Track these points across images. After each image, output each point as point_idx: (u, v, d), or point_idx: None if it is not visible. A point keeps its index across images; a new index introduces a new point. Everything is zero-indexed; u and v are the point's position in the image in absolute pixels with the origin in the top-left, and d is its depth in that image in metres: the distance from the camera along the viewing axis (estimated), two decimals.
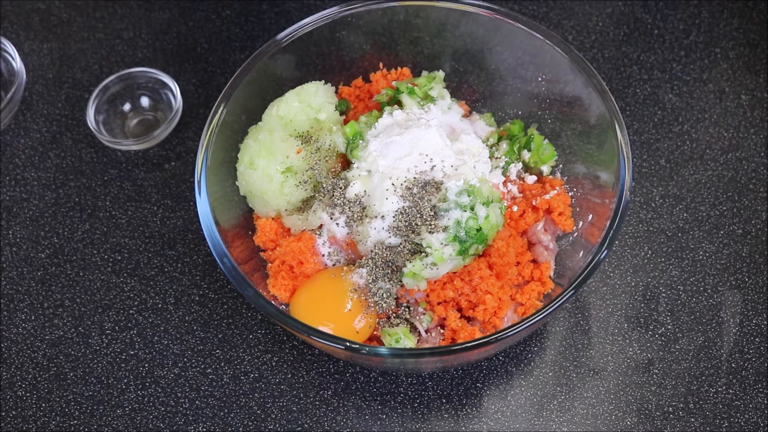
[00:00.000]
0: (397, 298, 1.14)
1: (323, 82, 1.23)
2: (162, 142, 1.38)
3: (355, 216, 1.13)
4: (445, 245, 1.09)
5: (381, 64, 1.31)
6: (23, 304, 1.27)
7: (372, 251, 1.12)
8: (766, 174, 1.32)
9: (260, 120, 1.21)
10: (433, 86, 1.22)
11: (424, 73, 1.26)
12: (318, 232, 1.17)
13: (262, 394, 1.21)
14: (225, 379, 1.22)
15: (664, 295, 1.25)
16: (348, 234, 1.15)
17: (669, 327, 1.22)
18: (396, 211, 1.11)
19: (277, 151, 1.16)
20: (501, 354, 1.22)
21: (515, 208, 1.18)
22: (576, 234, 1.18)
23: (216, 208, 1.14)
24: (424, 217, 1.10)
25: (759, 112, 1.37)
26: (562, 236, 1.20)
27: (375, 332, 1.14)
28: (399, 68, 1.30)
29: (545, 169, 1.23)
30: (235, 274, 1.09)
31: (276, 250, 1.18)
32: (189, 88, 1.43)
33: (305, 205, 1.19)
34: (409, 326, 1.14)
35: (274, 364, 1.23)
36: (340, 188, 1.15)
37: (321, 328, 1.08)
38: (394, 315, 1.14)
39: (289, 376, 1.22)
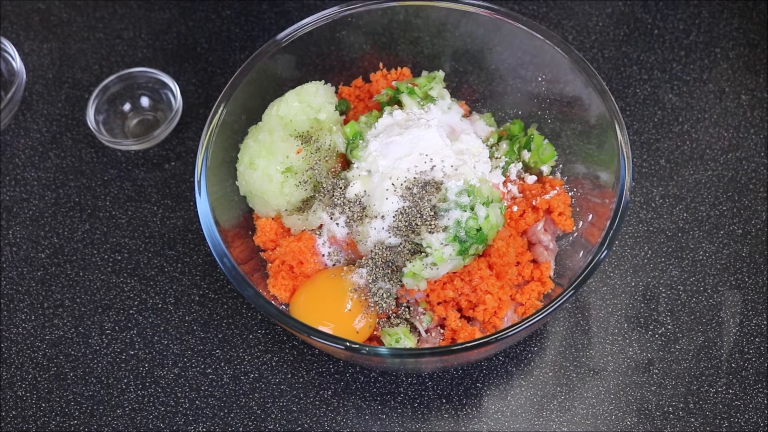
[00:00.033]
0: (397, 298, 1.14)
1: (323, 82, 1.23)
2: (162, 142, 1.38)
3: (355, 216, 1.13)
4: (445, 245, 1.09)
5: (381, 64, 1.31)
6: (23, 304, 1.27)
7: (372, 251, 1.12)
8: (766, 174, 1.32)
9: (260, 120, 1.21)
10: (433, 86, 1.22)
11: (424, 73, 1.26)
12: (318, 232, 1.17)
13: (262, 394, 1.21)
14: (225, 379, 1.22)
15: (664, 295, 1.25)
16: (348, 234, 1.15)
17: (669, 327, 1.22)
18: (396, 211, 1.11)
19: (277, 151, 1.16)
20: (501, 354, 1.22)
21: (515, 208, 1.18)
22: (576, 234, 1.18)
23: (216, 208, 1.14)
24: (424, 217, 1.10)
25: (759, 112, 1.37)
26: (562, 236, 1.20)
27: (375, 332, 1.14)
28: (399, 68, 1.30)
29: (545, 169, 1.23)
30: (235, 274, 1.09)
31: (276, 250, 1.18)
32: (189, 88, 1.43)
33: (305, 205, 1.19)
34: (409, 326, 1.14)
35: (274, 364, 1.23)
36: (340, 188, 1.15)
37: (321, 328, 1.08)
38: (394, 315, 1.14)
39: (289, 376, 1.22)
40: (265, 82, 1.23)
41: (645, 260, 1.27)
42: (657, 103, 1.39)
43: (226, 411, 1.20)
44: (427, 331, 1.14)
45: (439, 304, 1.13)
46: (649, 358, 1.21)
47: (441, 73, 1.25)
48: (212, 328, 1.25)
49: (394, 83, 1.24)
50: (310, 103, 1.20)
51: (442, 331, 1.14)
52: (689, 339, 1.21)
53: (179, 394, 1.21)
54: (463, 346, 1.02)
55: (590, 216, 1.17)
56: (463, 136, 1.17)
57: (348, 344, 1.03)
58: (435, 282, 1.12)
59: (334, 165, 1.19)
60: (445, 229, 1.09)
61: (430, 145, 1.13)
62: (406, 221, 1.10)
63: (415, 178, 1.12)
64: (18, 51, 1.40)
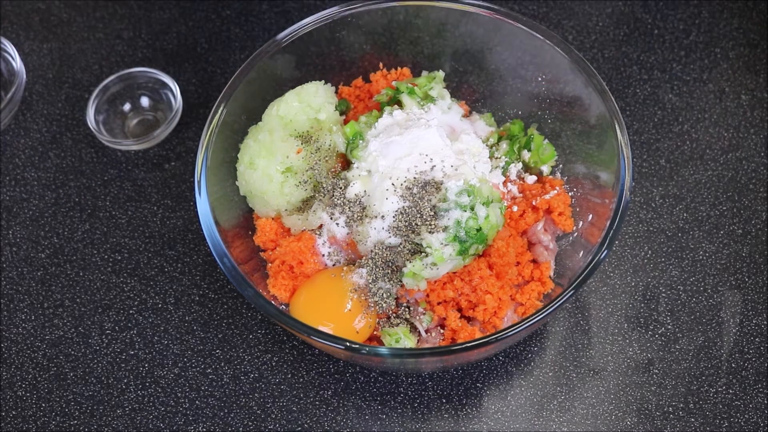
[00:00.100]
0: (397, 298, 1.14)
1: (323, 82, 1.23)
2: (162, 142, 1.38)
3: (355, 216, 1.13)
4: (445, 245, 1.09)
5: (381, 64, 1.31)
6: (23, 304, 1.27)
7: (372, 251, 1.12)
8: (766, 174, 1.32)
9: (260, 120, 1.21)
10: (433, 86, 1.22)
11: (424, 73, 1.26)
12: (318, 232, 1.17)
13: (262, 394, 1.21)
14: (225, 379, 1.22)
15: (664, 295, 1.25)
16: (348, 234, 1.15)
17: (669, 327, 1.22)
18: (396, 211, 1.11)
19: (277, 151, 1.16)
20: (501, 354, 1.22)
21: (515, 208, 1.18)
22: (576, 234, 1.18)
23: (216, 208, 1.14)
24: (424, 217, 1.10)
25: (759, 112, 1.37)
26: (562, 236, 1.20)
27: (375, 332, 1.14)
28: (399, 68, 1.30)
29: (545, 169, 1.23)
30: (235, 274, 1.09)
31: (276, 250, 1.18)
32: (189, 88, 1.43)
33: (305, 205, 1.19)
34: (409, 326, 1.14)
35: (274, 364, 1.23)
36: (340, 188, 1.15)
37: (321, 328, 1.08)
38: (394, 315, 1.14)
39: (289, 376, 1.22)
40: (265, 82, 1.23)
41: (645, 260, 1.27)
42: (657, 103, 1.39)
43: (226, 411, 1.20)
44: (427, 331, 1.14)
45: (439, 304, 1.13)
46: (649, 358, 1.21)
47: (441, 73, 1.25)
48: (212, 328, 1.25)
49: (394, 83, 1.24)
50: (310, 103, 1.20)
51: (442, 331, 1.14)
52: (689, 339, 1.21)
53: (179, 394, 1.21)
54: (463, 346, 1.02)
55: (590, 216, 1.17)
56: (463, 136, 1.17)
57: (348, 344, 1.03)
58: (435, 282, 1.12)
59: (334, 165, 1.19)
60: (445, 229, 1.09)
61: (430, 145, 1.13)
62: (406, 221, 1.10)
63: (415, 178, 1.12)
64: (18, 51, 1.40)
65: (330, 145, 1.18)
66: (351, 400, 1.20)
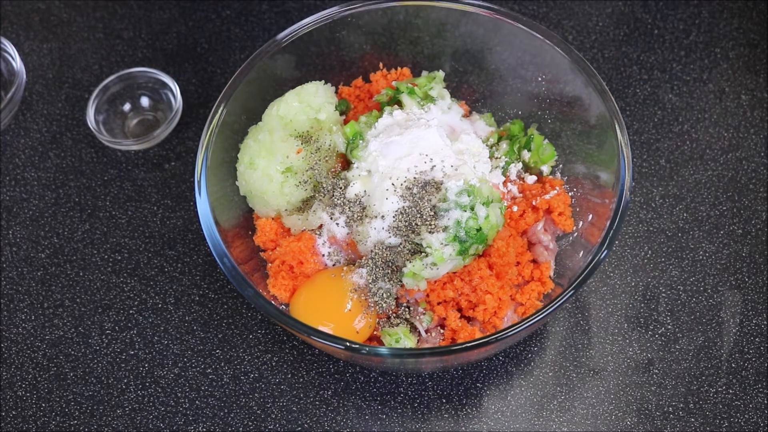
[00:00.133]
0: (397, 298, 1.14)
1: (323, 82, 1.23)
2: (162, 142, 1.38)
3: (355, 216, 1.13)
4: (445, 245, 1.09)
5: (381, 64, 1.31)
6: (23, 304, 1.27)
7: (372, 251, 1.12)
8: (766, 174, 1.32)
9: (260, 120, 1.21)
10: (433, 86, 1.22)
11: (424, 73, 1.26)
12: (318, 232, 1.17)
13: (262, 394, 1.21)
14: (225, 379, 1.22)
15: (664, 295, 1.25)
16: (348, 234, 1.15)
17: (669, 327, 1.22)
18: (396, 211, 1.11)
19: (277, 151, 1.16)
20: (501, 354, 1.22)
21: (515, 208, 1.18)
22: (576, 234, 1.18)
23: (216, 208, 1.14)
24: (424, 217, 1.10)
25: (759, 112, 1.37)
26: (562, 236, 1.20)
27: (375, 332, 1.14)
28: (399, 68, 1.30)
29: (545, 169, 1.23)
30: (235, 274, 1.09)
31: (276, 250, 1.18)
32: (189, 88, 1.43)
33: (305, 205, 1.19)
34: (409, 326, 1.14)
35: (274, 364, 1.23)
36: (340, 188, 1.15)
37: (321, 328, 1.08)
38: (394, 315, 1.14)
39: (289, 376, 1.22)
40: (265, 82, 1.23)
41: (645, 260, 1.27)
42: (657, 103, 1.39)
43: (226, 411, 1.20)
44: (427, 331, 1.14)
45: (439, 304, 1.13)
46: (649, 358, 1.21)
47: (441, 73, 1.25)
48: (212, 328, 1.25)
49: (394, 83, 1.24)
50: (310, 103, 1.20)
51: (442, 331, 1.14)
52: (689, 339, 1.21)
53: (179, 394, 1.21)
54: (463, 346, 1.02)
55: (590, 216, 1.17)
56: (463, 136, 1.17)
57: (348, 344, 1.03)
58: (435, 282, 1.12)
59: (334, 165, 1.19)
60: (445, 229, 1.09)
61: (430, 145, 1.13)
62: (406, 221, 1.10)
63: (415, 178, 1.12)
64: (18, 51, 1.40)
65: (330, 145, 1.18)
66: (351, 400, 1.20)
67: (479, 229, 1.09)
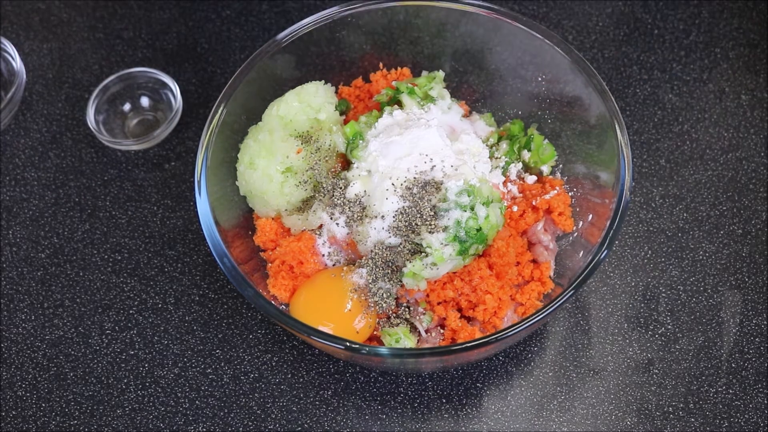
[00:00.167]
0: (397, 298, 1.14)
1: (323, 82, 1.23)
2: (162, 142, 1.38)
3: (355, 216, 1.13)
4: (445, 245, 1.09)
5: (381, 64, 1.31)
6: (23, 304, 1.27)
7: (372, 251, 1.12)
8: (766, 174, 1.32)
9: (260, 120, 1.21)
10: (433, 86, 1.22)
11: (424, 73, 1.26)
12: (318, 232, 1.17)
13: (262, 394, 1.21)
14: (225, 379, 1.22)
15: (664, 295, 1.25)
16: (348, 234, 1.15)
17: (669, 327, 1.22)
18: (396, 211, 1.11)
19: (277, 151, 1.16)
20: (501, 354, 1.22)
21: (515, 208, 1.18)
22: (576, 234, 1.18)
23: (216, 208, 1.14)
24: (424, 217, 1.10)
25: (759, 112, 1.37)
26: (562, 236, 1.20)
27: (375, 332, 1.14)
28: (399, 68, 1.30)
29: (545, 169, 1.23)
30: (235, 274, 1.09)
31: (276, 250, 1.18)
32: (189, 88, 1.43)
33: (305, 205, 1.19)
34: (409, 326, 1.14)
35: (274, 364, 1.23)
36: (340, 188, 1.15)
37: (321, 328, 1.08)
38: (394, 315, 1.14)
39: (289, 376, 1.22)
40: (265, 82, 1.23)
41: (645, 260, 1.27)
42: (657, 103, 1.39)
43: (226, 411, 1.20)
44: (427, 331, 1.14)
45: (439, 304, 1.13)
46: (649, 358, 1.21)
47: (441, 73, 1.25)
48: (212, 328, 1.25)
49: (394, 83, 1.24)
50: (310, 103, 1.20)
51: (442, 331, 1.14)
52: (689, 339, 1.21)
53: (179, 394, 1.21)
54: (463, 346, 1.02)
55: (590, 216, 1.17)
56: (463, 136, 1.17)
57: (348, 344, 1.03)
58: (435, 282, 1.12)
59: (334, 165, 1.19)
60: (445, 229, 1.09)
61: (430, 145, 1.13)
62: (406, 221, 1.10)
63: (415, 178, 1.12)
64: (18, 51, 1.40)
65: (330, 145, 1.18)
66: (351, 400, 1.20)
67: (479, 229, 1.09)
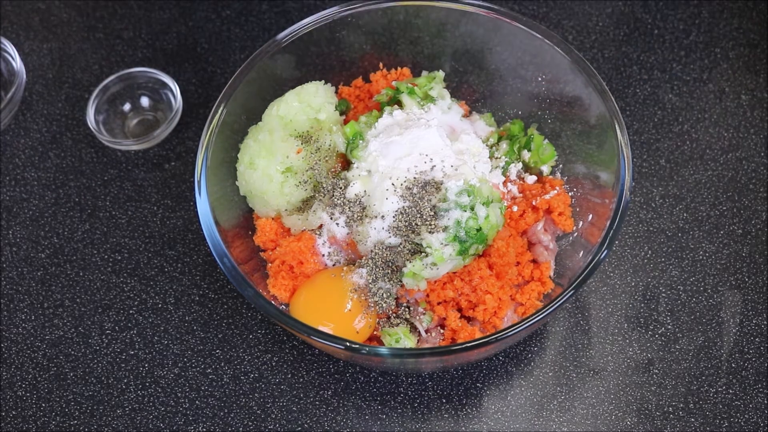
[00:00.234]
0: (397, 298, 1.14)
1: (323, 82, 1.23)
2: (162, 142, 1.38)
3: (355, 216, 1.13)
4: (445, 245, 1.09)
5: (381, 64, 1.31)
6: (23, 304, 1.27)
7: (372, 251, 1.12)
8: (766, 174, 1.32)
9: (260, 120, 1.21)
10: (433, 86, 1.22)
11: (424, 73, 1.26)
12: (318, 232, 1.17)
13: (262, 394, 1.21)
14: (225, 379, 1.22)
15: (664, 295, 1.25)
16: (348, 234, 1.15)
17: (669, 327, 1.22)
18: (396, 211, 1.11)
19: (277, 151, 1.16)
20: (501, 354, 1.22)
21: (515, 208, 1.18)
22: (576, 234, 1.18)
23: (216, 208, 1.14)
24: (424, 217, 1.10)
25: (759, 112, 1.37)
26: (562, 236, 1.20)
27: (375, 332, 1.14)
28: (399, 68, 1.30)
29: (545, 169, 1.23)
30: (235, 274, 1.09)
31: (276, 250, 1.18)
32: (189, 88, 1.43)
33: (305, 205, 1.19)
34: (409, 326, 1.14)
35: (274, 364, 1.23)
36: (340, 188, 1.15)
37: (321, 328, 1.08)
38: (394, 315, 1.14)
39: (289, 376, 1.22)
40: (265, 82, 1.23)
41: (645, 260, 1.27)
42: (657, 103, 1.39)
43: (226, 411, 1.20)
44: (427, 331, 1.14)
45: (439, 304, 1.13)
46: (649, 358, 1.21)
47: (441, 73, 1.25)
48: (212, 328, 1.25)
49: (394, 83, 1.24)
50: (310, 103, 1.20)
51: (442, 331, 1.14)
52: (689, 339, 1.21)
53: (179, 394, 1.21)
54: (463, 346, 1.02)
55: (590, 216, 1.17)
56: (463, 136, 1.17)
57: (348, 344, 1.03)
58: (435, 282, 1.12)
59: (334, 165, 1.19)
60: (445, 229, 1.09)
61: (430, 145, 1.13)
62: (406, 221, 1.10)
63: (415, 178, 1.12)
64: (18, 51, 1.40)
65: (330, 145, 1.18)
66: (351, 400, 1.20)
67: (479, 229, 1.09)
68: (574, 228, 1.19)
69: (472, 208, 1.09)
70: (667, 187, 1.32)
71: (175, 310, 1.26)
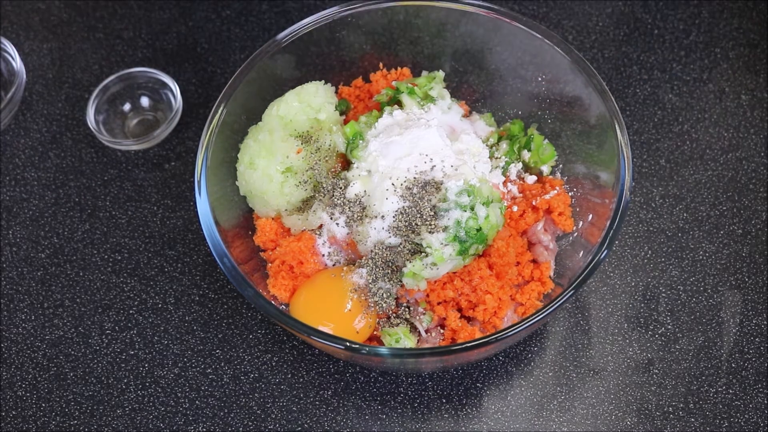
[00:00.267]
0: (397, 298, 1.14)
1: (323, 82, 1.23)
2: (162, 142, 1.38)
3: (355, 216, 1.13)
4: (445, 245, 1.09)
5: (381, 64, 1.31)
6: (23, 304, 1.27)
7: (372, 251, 1.12)
8: (766, 174, 1.32)
9: (260, 120, 1.21)
10: (433, 86, 1.22)
11: (424, 73, 1.26)
12: (318, 232, 1.17)
13: (262, 394, 1.21)
14: (225, 379, 1.22)
15: (664, 295, 1.25)
16: (348, 234, 1.15)
17: (669, 327, 1.22)
18: (396, 211, 1.11)
19: (277, 151, 1.16)
20: (501, 354, 1.22)
21: (515, 208, 1.18)
22: (576, 234, 1.18)
23: (216, 208, 1.14)
24: (424, 217, 1.10)
25: (759, 112, 1.37)
26: (562, 236, 1.20)
27: (375, 332, 1.14)
28: (399, 68, 1.30)
29: (545, 169, 1.23)
30: (235, 274, 1.09)
31: (276, 250, 1.18)
32: (189, 88, 1.43)
33: (305, 205, 1.19)
34: (409, 326, 1.14)
35: (274, 364, 1.23)
36: (340, 188, 1.15)
37: (321, 328, 1.08)
38: (394, 315, 1.14)
39: (289, 376, 1.22)
40: (265, 82, 1.23)
41: (645, 260, 1.27)
42: (657, 103, 1.39)
43: (226, 411, 1.20)
44: (427, 331, 1.14)
45: (439, 304, 1.13)
46: (649, 358, 1.21)
47: (441, 73, 1.25)
48: (212, 328, 1.25)
49: (394, 83, 1.24)
50: (310, 103, 1.20)
51: (442, 331, 1.14)
52: (689, 339, 1.21)
53: (179, 394, 1.21)
54: (463, 346, 1.02)
55: (590, 216, 1.17)
56: (463, 136, 1.17)
57: (348, 344, 1.03)
58: (435, 282, 1.12)
59: (334, 165, 1.19)
60: (445, 229, 1.09)
61: (430, 145, 1.13)
62: (406, 221, 1.10)
63: (415, 178, 1.12)
64: (18, 51, 1.40)
65: (330, 145, 1.18)
66: (351, 400, 1.20)
67: (479, 229, 1.09)
68: (574, 228, 1.19)
69: (472, 208, 1.09)
70: (667, 187, 1.32)
71: (175, 310, 1.26)
